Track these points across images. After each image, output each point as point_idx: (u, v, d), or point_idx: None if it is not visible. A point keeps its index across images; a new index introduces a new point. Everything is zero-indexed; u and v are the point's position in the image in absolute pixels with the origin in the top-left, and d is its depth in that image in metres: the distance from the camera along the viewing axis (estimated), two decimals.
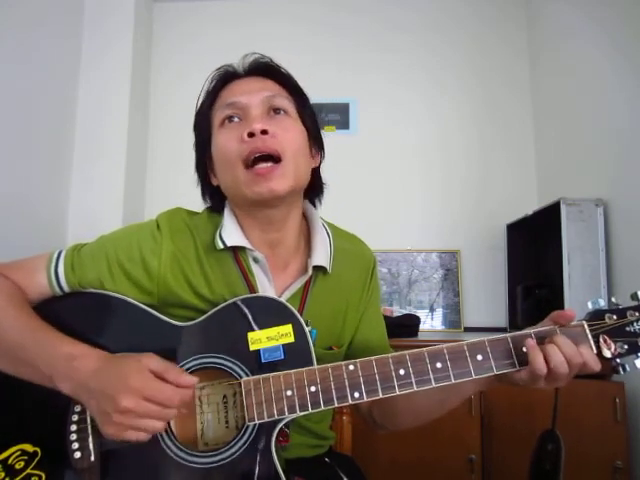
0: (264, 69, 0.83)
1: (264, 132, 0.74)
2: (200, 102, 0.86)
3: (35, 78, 1.90)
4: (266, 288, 0.81)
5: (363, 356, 0.71)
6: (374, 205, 2.31)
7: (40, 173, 1.97)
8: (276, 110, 0.79)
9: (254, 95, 0.78)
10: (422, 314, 2.18)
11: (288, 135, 0.77)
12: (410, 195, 2.33)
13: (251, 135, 0.74)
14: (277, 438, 0.71)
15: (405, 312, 2.18)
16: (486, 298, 2.23)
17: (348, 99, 2.39)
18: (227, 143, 0.77)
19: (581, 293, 1.61)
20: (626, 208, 1.61)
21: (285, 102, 0.80)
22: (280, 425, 0.70)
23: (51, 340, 0.69)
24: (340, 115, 2.38)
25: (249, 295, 0.77)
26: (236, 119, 0.79)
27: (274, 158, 0.75)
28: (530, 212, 1.96)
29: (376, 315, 0.93)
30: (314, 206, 0.91)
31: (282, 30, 2.44)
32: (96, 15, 2.24)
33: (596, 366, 0.68)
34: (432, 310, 2.23)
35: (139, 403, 0.62)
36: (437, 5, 2.44)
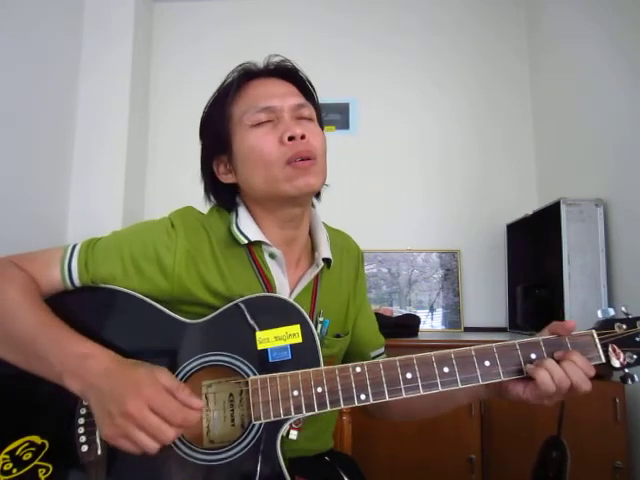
0: (288, 73, 0.87)
1: (302, 137, 0.78)
2: (215, 97, 0.86)
3: (35, 78, 1.90)
4: (282, 283, 0.83)
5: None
6: (374, 205, 2.31)
7: (40, 173, 1.97)
8: (302, 117, 0.83)
9: (285, 100, 0.82)
10: (422, 314, 2.18)
11: (317, 139, 0.82)
12: (410, 195, 2.33)
13: (291, 139, 0.78)
14: (290, 425, 0.71)
15: (405, 312, 2.18)
16: (486, 298, 2.23)
17: (348, 99, 2.39)
18: (264, 144, 0.79)
19: (581, 293, 1.61)
20: (626, 208, 1.61)
21: (310, 111, 0.84)
22: (286, 425, 0.70)
23: (64, 337, 0.69)
24: (340, 115, 2.39)
25: (258, 294, 0.77)
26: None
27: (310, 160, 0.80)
28: (530, 212, 1.96)
29: (367, 305, 1.00)
30: (313, 205, 0.94)
31: (282, 30, 2.44)
32: (96, 15, 2.24)
33: (586, 386, 0.69)
34: (432, 310, 2.23)
35: (143, 411, 0.61)
36: (437, 5, 2.44)
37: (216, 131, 0.84)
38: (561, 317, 1.58)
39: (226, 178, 0.86)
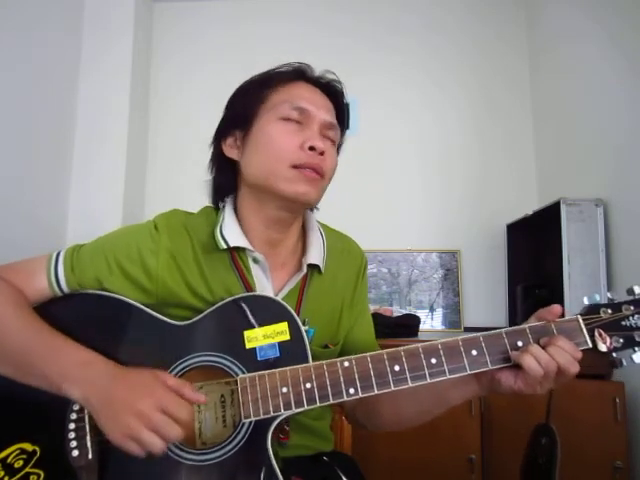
0: (333, 93, 0.89)
1: (322, 153, 0.79)
2: (258, 77, 0.87)
3: (35, 78, 1.90)
4: (264, 287, 0.82)
5: (354, 352, 0.70)
6: (374, 205, 2.31)
7: (40, 173, 1.97)
8: (327, 136, 0.84)
9: (321, 111, 0.83)
10: (422, 314, 2.18)
11: (331, 162, 0.83)
12: (410, 195, 2.33)
13: (312, 149, 0.79)
14: (277, 435, 0.71)
15: (405, 312, 2.18)
16: (486, 298, 2.23)
17: (348, 99, 2.39)
18: (284, 140, 0.79)
19: (581, 293, 1.61)
20: (626, 208, 1.61)
21: (337, 134, 0.86)
22: (276, 422, 0.70)
23: (60, 347, 0.70)
24: None
25: (246, 294, 0.78)
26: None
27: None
28: (530, 212, 1.96)
29: (366, 313, 0.97)
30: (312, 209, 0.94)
31: (282, 30, 2.44)
32: (96, 15, 2.25)
33: (574, 368, 0.68)
34: (432, 310, 2.23)
35: (152, 410, 0.63)
36: (437, 5, 2.43)
37: (243, 106, 0.85)
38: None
39: (229, 151, 0.86)
